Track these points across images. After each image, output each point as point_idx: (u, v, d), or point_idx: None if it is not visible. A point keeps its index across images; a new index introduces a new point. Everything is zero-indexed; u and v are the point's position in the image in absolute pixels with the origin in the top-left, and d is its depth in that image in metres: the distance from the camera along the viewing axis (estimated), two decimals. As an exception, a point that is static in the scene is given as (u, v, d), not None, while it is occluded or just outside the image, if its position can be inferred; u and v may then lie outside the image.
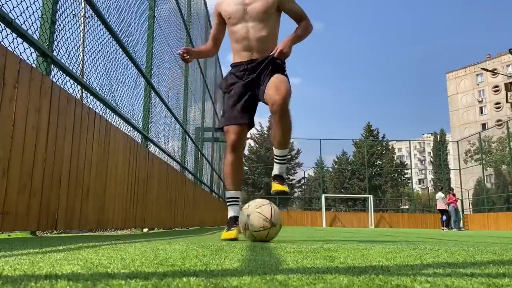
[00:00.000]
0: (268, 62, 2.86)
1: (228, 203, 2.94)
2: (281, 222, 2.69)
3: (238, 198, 2.94)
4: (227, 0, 2.96)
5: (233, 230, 2.76)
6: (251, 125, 2.96)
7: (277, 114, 2.66)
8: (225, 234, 2.76)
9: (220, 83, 3.12)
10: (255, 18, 2.85)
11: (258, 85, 2.86)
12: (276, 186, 2.86)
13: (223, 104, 3.15)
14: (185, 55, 3.07)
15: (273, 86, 2.71)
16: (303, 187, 37.50)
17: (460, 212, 21.56)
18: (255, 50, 2.87)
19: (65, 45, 3.02)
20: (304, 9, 3.08)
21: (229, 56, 3.12)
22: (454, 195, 15.99)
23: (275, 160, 2.90)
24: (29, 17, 2.50)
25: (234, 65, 2.97)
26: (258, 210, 2.59)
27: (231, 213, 2.89)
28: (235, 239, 2.67)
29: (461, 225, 20.06)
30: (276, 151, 2.87)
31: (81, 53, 3.42)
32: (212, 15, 3.18)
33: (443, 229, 15.58)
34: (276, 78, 2.76)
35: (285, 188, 2.85)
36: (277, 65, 2.86)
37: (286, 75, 2.88)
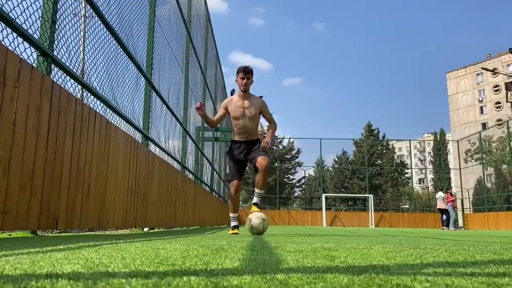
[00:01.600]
0: (256, 143, 4.67)
1: (231, 220, 4.84)
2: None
3: (236, 217, 4.87)
4: (233, 102, 4.55)
5: (236, 230, 4.63)
6: (242, 178, 4.82)
7: (262, 172, 4.43)
8: (231, 231, 4.61)
9: (226, 152, 4.90)
10: (250, 117, 4.54)
11: (249, 154, 4.60)
12: (253, 208, 4.52)
13: (227, 163, 4.94)
14: (200, 107, 4.38)
15: (261, 158, 4.44)
16: (304, 186, 37.49)
17: (459, 212, 21.55)
18: (248, 134, 4.62)
19: (65, 44, 3.02)
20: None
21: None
22: (451, 194, 16.02)
23: (255, 195, 4.59)
24: (30, 16, 2.51)
25: (234, 142, 4.66)
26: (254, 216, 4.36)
27: (233, 224, 4.80)
28: (237, 234, 4.44)
29: (458, 224, 20.05)
30: (256, 190, 4.57)
31: (81, 53, 3.42)
32: (220, 106, 4.89)
33: (443, 229, 15.59)
34: (262, 154, 4.47)
35: (257, 209, 4.51)
36: (260, 144, 4.64)
37: (266, 152, 4.64)
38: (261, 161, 4.43)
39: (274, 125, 4.81)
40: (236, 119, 4.59)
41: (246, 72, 4.54)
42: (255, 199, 4.61)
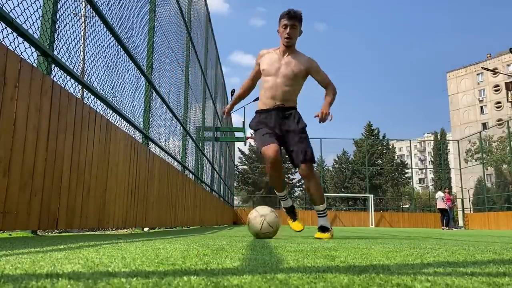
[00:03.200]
0: (291, 112, 3.45)
1: (281, 200, 3.76)
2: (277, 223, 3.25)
3: (286, 196, 3.76)
4: (269, 55, 3.50)
5: (298, 221, 3.72)
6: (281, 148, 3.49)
7: (309, 185, 3.43)
8: (294, 225, 3.69)
9: (250, 123, 3.61)
10: (287, 77, 3.38)
11: (282, 131, 3.42)
12: (317, 234, 3.41)
13: (254, 136, 3.65)
14: (227, 112, 3.89)
15: (304, 167, 3.39)
16: (304, 186, 37.47)
17: (459, 212, 21.54)
18: (281, 101, 3.40)
19: (65, 44, 3.02)
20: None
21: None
22: (449, 193, 16.04)
23: (317, 214, 3.51)
24: (30, 16, 2.51)
25: (259, 113, 3.49)
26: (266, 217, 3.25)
27: (284, 204, 3.74)
28: (300, 230, 3.68)
29: (458, 224, 20.03)
30: (315, 207, 3.51)
31: (81, 53, 3.42)
32: (255, 59, 3.77)
33: (443, 229, 15.59)
34: (305, 158, 3.38)
35: (325, 235, 3.36)
36: (299, 120, 3.46)
37: (307, 137, 3.48)
38: (304, 171, 3.38)
39: (332, 89, 3.48)
40: (267, 76, 3.42)
41: (290, 17, 3.30)
42: (319, 221, 3.48)
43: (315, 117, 3.33)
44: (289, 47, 3.40)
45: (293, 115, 3.46)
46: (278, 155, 3.28)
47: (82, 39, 3.46)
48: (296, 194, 38.89)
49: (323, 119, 3.27)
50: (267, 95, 3.42)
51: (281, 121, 3.42)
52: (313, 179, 3.40)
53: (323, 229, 3.42)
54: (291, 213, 3.71)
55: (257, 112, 3.53)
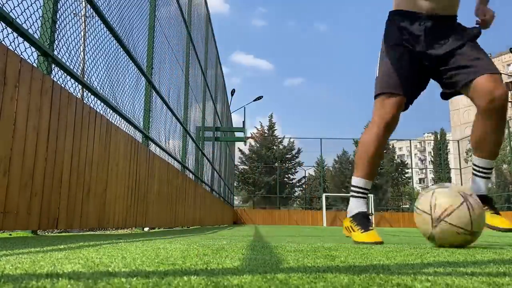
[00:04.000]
0: (454, 24, 2.24)
1: (355, 198, 2.36)
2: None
3: (367, 194, 2.38)
4: None
5: (373, 230, 2.27)
6: (411, 98, 2.32)
7: (497, 113, 2.10)
8: (365, 236, 2.24)
9: (385, 35, 2.37)
10: None
11: (440, 52, 2.18)
12: (499, 222, 2.11)
13: (380, 63, 2.37)
14: None
15: (489, 75, 2.08)
16: (304, 186, 37.47)
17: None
18: (439, 3, 2.20)
19: (65, 44, 3.02)
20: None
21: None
22: None
23: (478, 174, 2.22)
24: (30, 16, 2.51)
25: (401, 16, 2.26)
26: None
27: (358, 208, 2.32)
28: (381, 243, 2.17)
29: None
30: (481, 162, 2.21)
31: (82, 53, 3.43)
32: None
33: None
34: (487, 62, 2.12)
35: (502, 222, 2.12)
36: (471, 32, 2.21)
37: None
38: (491, 86, 2.06)
39: None
40: None
41: None
42: (481, 186, 2.21)
43: (477, 25, 2.30)
44: None
45: (460, 33, 2.21)
46: (399, 112, 2.28)
47: (82, 39, 3.46)
48: (296, 193, 38.89)
49: (485, 25, 2.28)
50: None
51: (437, 39, 2.19)
52: (503, 114, 2.08)
53: (492, 207, 2.17)
54: (368, 222, 2.31)
55: (394, 14, 2.30)
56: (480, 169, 2.21)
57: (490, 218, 2.15)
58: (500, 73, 2.16)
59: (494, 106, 2.08)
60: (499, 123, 2.13)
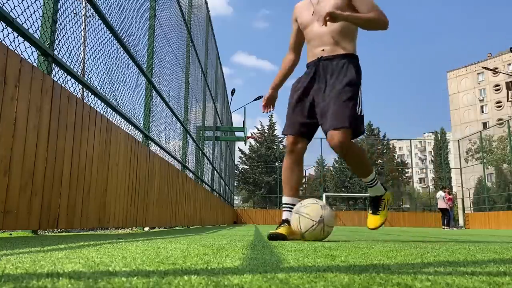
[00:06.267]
0: (338, 62, 2.67)
1: (283, 208, 2.87)
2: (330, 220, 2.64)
3: (291, 205, 2.81)
4: (300, 5, 2.94)
5: (282, 227, 2.68)
6: (308, 136, 2.84)
7: (342, 156, 2.68)
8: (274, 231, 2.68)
9: (293, 84, 2.94)
10: (322, 16, 2.68)
11: (318, 93, 2.70)
12: (368, 222, 2.91)
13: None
14: (268, 107, 3.10)
15: (332, 132, 2.58)
16: (304, 186, 37.48)
17: (460, 211, 21.50)
18: (325, 46, 2.71)
19: (66, 44, 3.02)
20: None
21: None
22: (449, 193, 16.06)
23: (367, 185, 2.90)
24: (30, 16, 2.51)
25: (307, 65, 2.86)
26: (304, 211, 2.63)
27: (284, 215, 2.81)
28: (282, 236, 2.59)
29: (457, 224, 20.02)
30: (363, 179, 2.86)
31: (82, 52, 3.43)
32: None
33: (444, 228, 15.60)
34: (336, 123, 2.58)
35: (376, 220, 2.87)
36: (343, 79, 2.64)
37: (350, 98, 2.61)
38: (332, 137, 2.57)
39: (373, 14, 2.68)
40: (305, 28, 2.85)
41: None
42: (368, 192, 2.94)
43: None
44: None
45: (339, 71, 2.66)
46: (296, 147, 2.78)
47: (83, 38, 3.46)
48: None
49: (324, 19, 2.54)
50: (311, 45, 2.80)
51: (318, 81, 2.71)
52: (347, 153, 2.63)
53: (374, 205, 2.87)
54: (284, 225, 2.74)
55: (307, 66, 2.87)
56: (368, 184, 2.88)
57: (369, 218, 2.94)
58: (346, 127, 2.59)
59: (337, 152, 2.66)
60: (348, 161, 2.73)
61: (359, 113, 2.65)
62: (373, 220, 2.88)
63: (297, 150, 2.80)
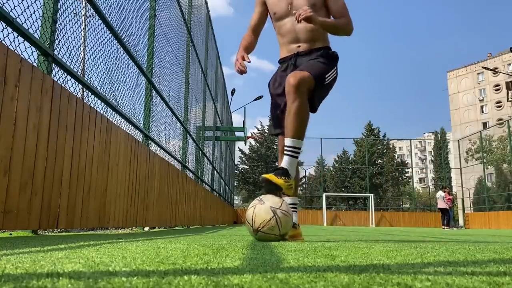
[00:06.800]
0: (312, 54, 2.73)
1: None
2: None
3: (294, 205, 2.76)
4: None
5: (296, 231, 2.73)
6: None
7: (287, 96, 2.50)
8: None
9: (269, 83, 2.97)
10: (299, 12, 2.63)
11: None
12: (267, 175, 2.47)
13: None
14: (242, 67, 2.84)
15: (292, 74, 2.54)
16: (304, 186, 37.48)
17: (460, 211, 21.52)
18: (300, 42, 2.77)
19: (66, 44, 3.02)
20: None
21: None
22: (449, 193, 16.08)
23: (284, 151, 2.55)
24: (30, 16, 2.51)
25: (281, 61, 2.88)
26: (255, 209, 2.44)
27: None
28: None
29: (457, 224, 20.03)
30: (286, 141, 2.54)
31: (82, 52, 3.43)
32: (254, 5, 3.04)
33: (443, 228, 15.60)
34: (307, 64, 2.62)
35: (276, 179, 2.42)
36: (318, 54, 2.72)
37: (324, 63, 2.65)
38: (294, 74, 2.53)
39: (343, 20, 2.76)
40: (278, 20, 2.84)
41: None
42: (284, 160, 2.53)
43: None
44: None
45: (318, 54, 2.73)
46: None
47: (83, 38, 3.46)
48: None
49: (297, 17, 2.57)
50: (284, 40, 2.82)
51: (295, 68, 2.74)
52: (298, 98, 2.45)
53: (281, 172, 2.46)
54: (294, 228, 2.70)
55: (279, 62, 2.90)
56: (285, 147, 2.55)
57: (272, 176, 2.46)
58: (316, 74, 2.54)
59: (288, 92, 2.49)
60: (290, 108, 2.49)
61: (326, 79, 2.64)
62: (273, 178, 2.45)
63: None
